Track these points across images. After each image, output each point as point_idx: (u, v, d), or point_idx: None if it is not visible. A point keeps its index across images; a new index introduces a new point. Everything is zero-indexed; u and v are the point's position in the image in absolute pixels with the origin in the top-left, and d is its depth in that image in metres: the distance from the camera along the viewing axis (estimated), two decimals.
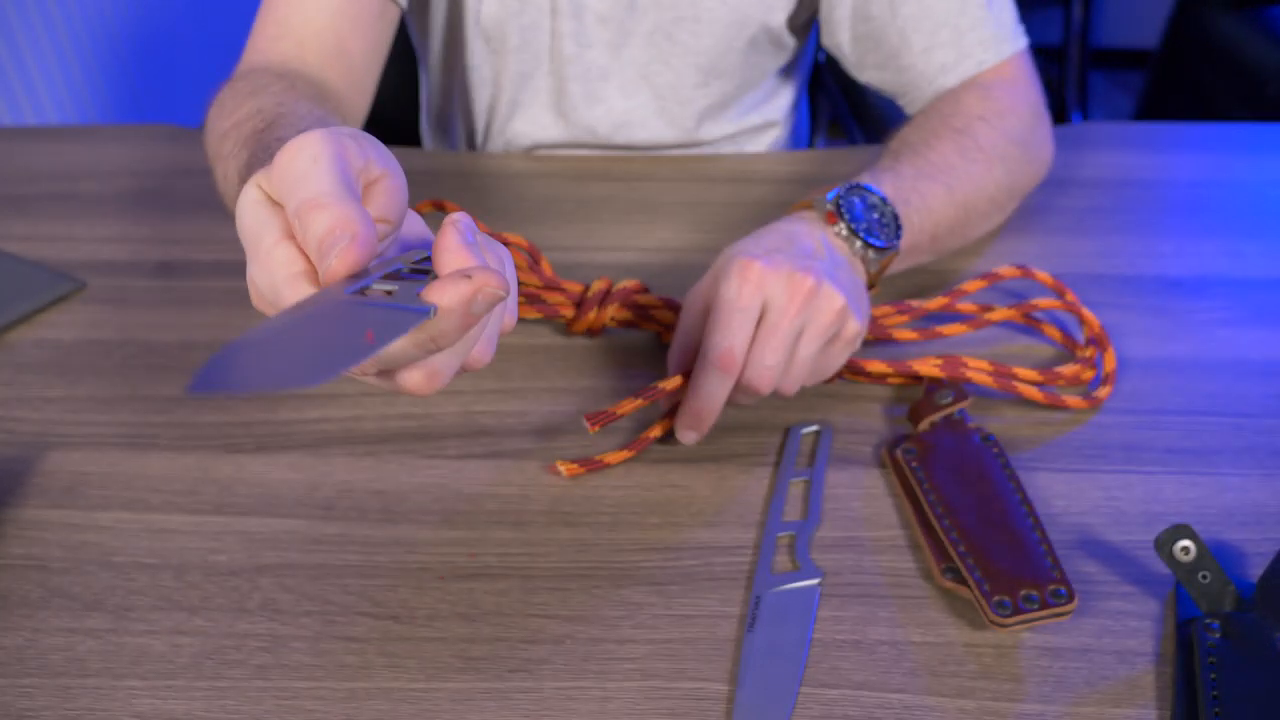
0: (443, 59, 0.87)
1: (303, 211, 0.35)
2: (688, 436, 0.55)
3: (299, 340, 0.32)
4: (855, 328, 0.55)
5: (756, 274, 0.53)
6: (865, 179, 0.62)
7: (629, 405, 0.54)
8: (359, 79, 0.71)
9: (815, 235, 0.57)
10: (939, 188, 0.64)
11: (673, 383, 0.55)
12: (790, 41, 0.85)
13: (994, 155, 0.68)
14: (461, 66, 0.85)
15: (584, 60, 0.81)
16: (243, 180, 0.55)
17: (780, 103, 0.92)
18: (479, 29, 0.82)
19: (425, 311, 0.34)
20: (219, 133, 0.60)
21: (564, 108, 0.84)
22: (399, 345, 0.35)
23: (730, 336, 0.52)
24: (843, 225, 0.58)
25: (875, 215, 0.59)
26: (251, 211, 0.38)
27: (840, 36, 0.79)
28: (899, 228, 0.60)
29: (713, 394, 0.53)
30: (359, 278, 0.35)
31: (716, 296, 0.54)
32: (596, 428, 0.53)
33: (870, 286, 0.60)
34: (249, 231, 0.38)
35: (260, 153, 0.52)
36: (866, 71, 0.80)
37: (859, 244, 0.58)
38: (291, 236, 0.37)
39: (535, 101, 0.85)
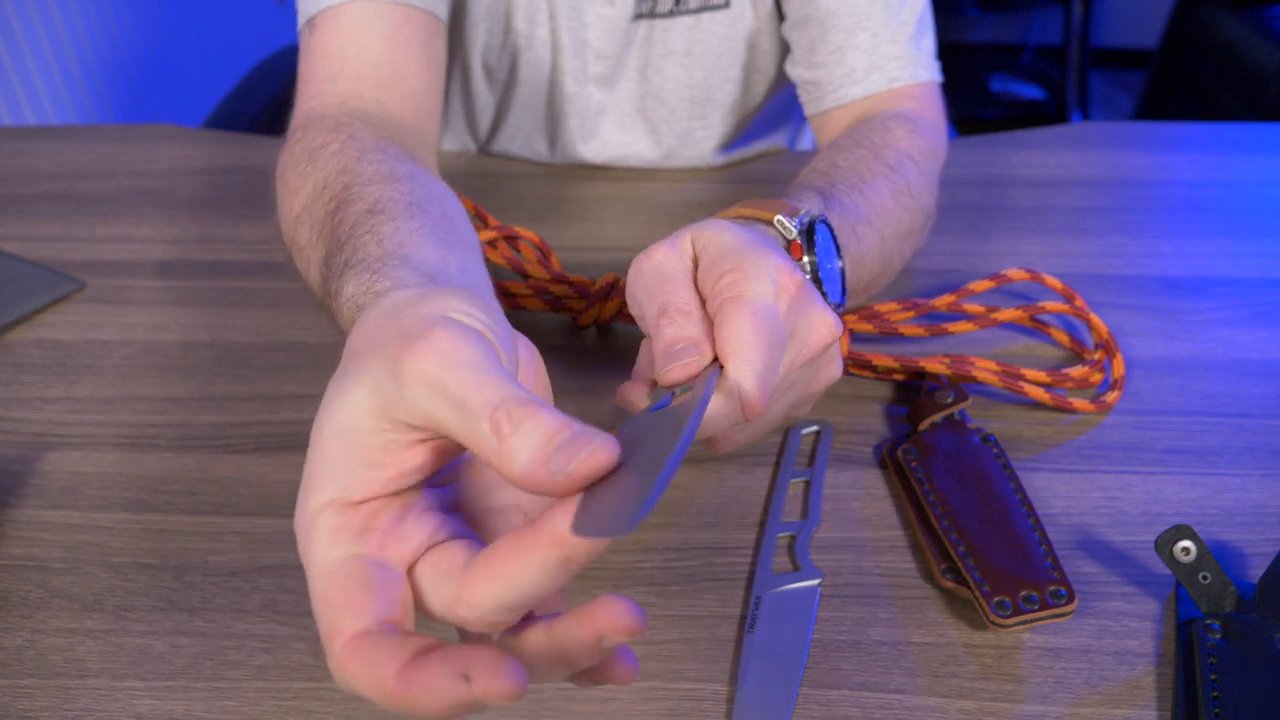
0: None
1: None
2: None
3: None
4: (808, 409, 0.50)
5: (794, 292, 0.43)
6: (820, 210, 0.54)
7: None
8: (423, 104, 0.67)
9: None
10: (874, 236, 0.57)
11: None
12: (781, 65, 0.83)
13: (917, 205, 0.62)
14: (459, 92, 0.85)
15: (582, 97, 0.81)
16: (324, 279, 0.48)
17: (783, 135, 0.91)
18: (480, 60, 0.81)
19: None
20: (291, 216, 0.56)
21: (560, 140, 0.84)
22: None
23: (769, 368, 0.40)
24: (808, 263, 0.50)
25: (829, 265, 0.52)
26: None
27: (786, 26, 0.75)
28: (844, 286, 0.53)
29: (721, 426, 0.41)
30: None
31: (745, 296, 0.41)
32: None
33: None
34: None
35: (335, 251, 0.47)
36: (794, 67, 0.75)
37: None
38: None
39: (534, 131, 0.85)
